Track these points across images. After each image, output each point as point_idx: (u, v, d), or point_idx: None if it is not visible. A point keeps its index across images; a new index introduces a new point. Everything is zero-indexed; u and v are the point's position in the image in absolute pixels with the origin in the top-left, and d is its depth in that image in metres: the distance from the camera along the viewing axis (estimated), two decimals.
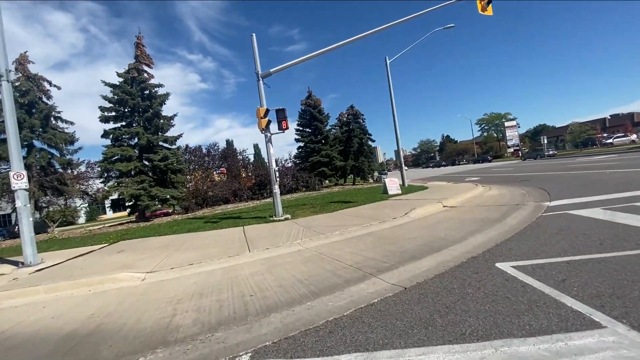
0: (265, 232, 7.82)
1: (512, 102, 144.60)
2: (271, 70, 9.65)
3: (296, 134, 25.64)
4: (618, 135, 45.47)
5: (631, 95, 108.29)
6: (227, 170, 23.48)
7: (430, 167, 70.25)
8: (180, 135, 17.13)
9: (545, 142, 37.70)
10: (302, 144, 25.39)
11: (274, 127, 9.50)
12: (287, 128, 9.22)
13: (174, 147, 16.97)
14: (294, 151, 26.41)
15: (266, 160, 27.56)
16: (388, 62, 18.27)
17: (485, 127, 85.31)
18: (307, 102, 24.89)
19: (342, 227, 7.23)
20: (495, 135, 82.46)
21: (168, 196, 14.79)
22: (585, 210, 5.76)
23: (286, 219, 9.28)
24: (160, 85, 17.64)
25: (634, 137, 44.06)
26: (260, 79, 9.55)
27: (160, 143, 16.55)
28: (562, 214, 5.83)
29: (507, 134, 76.65)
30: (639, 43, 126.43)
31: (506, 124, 77.73)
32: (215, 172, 24.11)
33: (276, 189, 9.42)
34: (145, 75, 17.76)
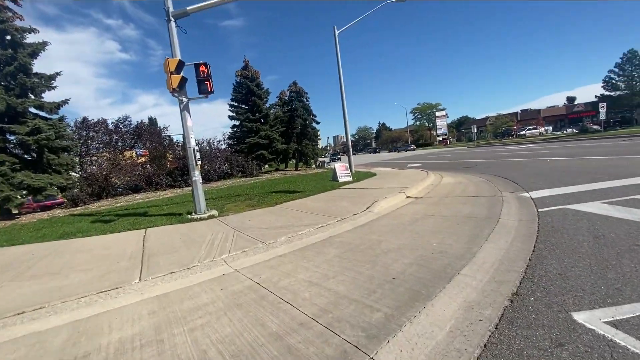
0: (176, 238, 5.49)
1: (442, 94, 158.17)
2: (188, 8, 6.97)
3: (230, 110, 22.41)
4: (529, 127, 52.30)
5: (537, 93, 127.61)
6: (150, 152, 19.35)
7: (368, 153, 72.26)
8: (65, 102, 12.80)
9: (475, 131, 41.15)
10: (237, 123, 22.32)
11: (192, 90, 6.98)
12: (212, 91, 6.80)
13: (54, 117, 12.65)
14: (229, 132, 23.19)
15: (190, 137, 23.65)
16: (337, 32, 16.46)
17: (419, 116, 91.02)
18: (244, 74, 21.77)
19: (289, 228, 5.35)
20: (427, 124, 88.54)
21: (45, 184, 10.86)
22: (586, 206, 4.88)
23: (211, 216, 6.99)
24: (32, 30, 12.89)
25: (542, 129, 51.31)
26: (172, 19, 6.83)
27: (33, 110, 12.15)
28: (562, 209, 4.87)
29: (437, 124, 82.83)
30: (544, 45, 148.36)
31: (437, 113, 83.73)
32: (136, 154, 19.76)
33: (196, 175, 7.00)
34: (9, 13, 12.83)
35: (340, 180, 11.71)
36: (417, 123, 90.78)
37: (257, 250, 4.44)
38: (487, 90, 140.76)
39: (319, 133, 25.27)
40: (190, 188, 7.97)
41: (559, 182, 7.30)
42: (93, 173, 13.46)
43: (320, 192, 9.38)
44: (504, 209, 5.41)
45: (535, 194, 6.34)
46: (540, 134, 49.60)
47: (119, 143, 18.98)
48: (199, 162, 7.00)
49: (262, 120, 22.49)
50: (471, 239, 3.96)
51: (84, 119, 16.94)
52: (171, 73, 6.24)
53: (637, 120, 38.08)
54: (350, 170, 13.38)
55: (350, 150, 15.50)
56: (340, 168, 12.10)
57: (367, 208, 6.51)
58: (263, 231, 5.37)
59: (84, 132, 16.94)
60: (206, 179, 17.53)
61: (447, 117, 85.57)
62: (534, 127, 52.34)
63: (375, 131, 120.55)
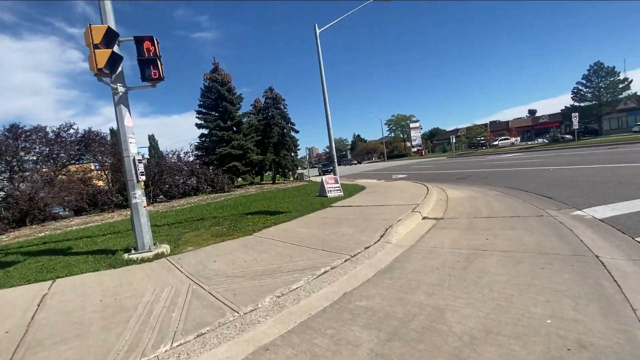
0: (93, 302, 3.45)
1: (415, 106, 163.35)
2: None
3: (198, 117, 20.08)
4: (502, 138, 53.92)
5: (501, 106, 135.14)
6: (110, 166, 16.46)
7: (343, 165, 71.63)
8: None
9: (454, 141, 41.44)
10: (206, 131, 20.04)
11: (133, 77, 4.95)
12: (161, 78, 4.86)
13: None
14: (196, 142, 20.79)
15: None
16: (317, 31, 15.03)
17: (393, 128, 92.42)
18: (213, 77, 19.69)
19: (275, 276, 3.51)
20: (402, 135, 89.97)
21: None
22: None
23: (159, 255, 4.94)
24: None
25: (513, 140, 53.07)
26: None
27: None
28: None
29: (412, 135, 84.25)
30: (505, 61, 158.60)
31: (411, 125, 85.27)
32: (94, 168, 16.84)
33: (138, 195, 4.95)
34: None
35: (330, 195, 9.96)
36: (392, 134, 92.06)
37: (224, 331, 2.53)
38: (455, 102, 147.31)
39: (298, 142, 23.56)
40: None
41: (605, 195, 6.02)
42: (11, 194, 10.68)
43: (308, 212, 7.55)
44: (582, 237, 3.88)
45: (595, 213, 4.94)
46: (512, 144, 51.22)
47: (62, 155, 16.06)
48: (142, 178, 4.94)
49: (235, 129, 20.39)
50: (600, 304, 2.31)
51: (13, 126, 13.97)
52: (95, 47, 4.24)
53: (599, 131, 40.17)
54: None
55: (335, 160, 13.83)
56: (329, 181, 10.37)
57: (381, 236, 4.80)
58: (235, 284, 3.46)
59: (13, 142, 13.99)
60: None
61: (421, 128, 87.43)
62: (505, 137, 54.05)
63: (350, 142, 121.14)
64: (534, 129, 62.41)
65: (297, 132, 23.36)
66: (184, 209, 10.62)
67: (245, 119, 22.04)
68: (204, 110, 20.34)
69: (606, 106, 33.84)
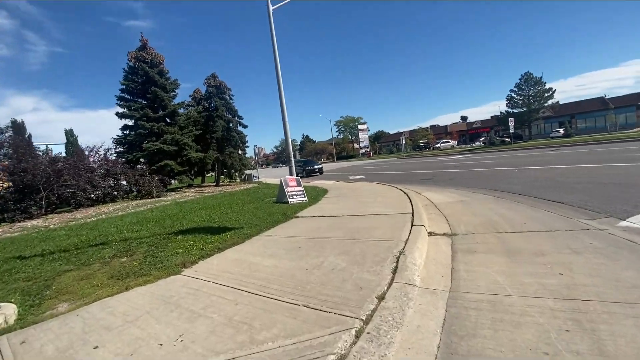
0: None
1: (362, 108, 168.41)
2: None
3: (119, 104, 16.24)
4: (443, 141, 57.31)
5: (437, 112, 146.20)
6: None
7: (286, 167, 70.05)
8: None
9: (404, 142, 42.34)
10: (130, 122, 16.36)
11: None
12: None
13: None
14: (117, 135, 16.90)
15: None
16: (271, 9, 12.93)
17: (342, 129, 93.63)
18: (140, 56, 16.13)
19: None
20: (350, 137, 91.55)
21: None
22: None
23: None
24: None
25: (453, 142, 56.78)
26: None
27: None
28: None
29: (360, 136, 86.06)
30: (441, 67, 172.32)
31: (359, 127, 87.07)
32: None
33: None
34: None
35: (292, 201, 8.00)
36: (341, 136, 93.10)
37: None
38: (397, 107, 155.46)
39: (246, 139, 20.88)
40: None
41: (627, 200, 5.10)
42: None
43: (268, 226, 5.52)
44: None
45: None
46: (452, 146, 54.76)
47: None
48: None
49: (168, 120, 17.06)
50: None
51: None
52: None
53: (523, 136, 44.78)
54: None
55: (292, 159, 11.85)
56: (290, 183, 8.40)
57: (394, 271, 3.11)
58: None
59: None
60: (73, 204, 11.49)
61: (369, 130, 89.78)
62: (446, 140, 57.60)
63: (299, 143, 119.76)
64: (469, 133, 67.68)
65: (245, 127, 20.66)
66: (85, 225, 7.65)
67: (182, 110, 18.76)
68: (128, 97, 16.56)
69: (534, 113, 37.58)
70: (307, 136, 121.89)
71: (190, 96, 22.48)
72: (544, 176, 9.26)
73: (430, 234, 4.60)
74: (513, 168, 12.49)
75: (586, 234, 3.79)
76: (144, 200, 12.62)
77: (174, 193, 15.86)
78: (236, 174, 21.44)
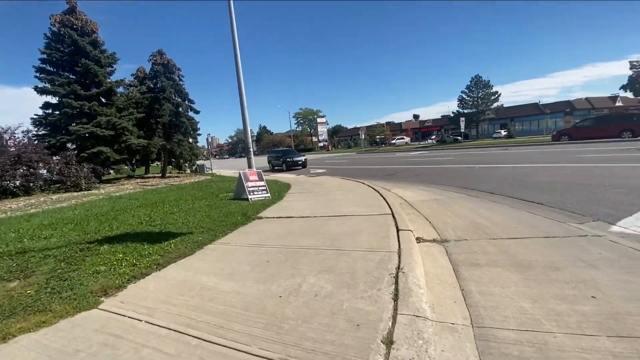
0: None
1: (321, 102, 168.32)
2: None
3: (39, 77, 13.35)
4: (398, 137, 59.26)
5: (394, 108, 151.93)
6: None
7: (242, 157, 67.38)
8: None
9: (363, 137, 42.69)
10: (54, 100, 13.63)
11: None
12: None
13: None
14: (37, 115, 14.01)
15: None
16: None
17: (301, 121, 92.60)
18: (66, 21, 13.44)
19: None
20: (309, 130, 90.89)
21: None
22: None
23: None
24: None
25: (407, 139, 59.00)
26: None
27: None
28: None
29: (318, 130, 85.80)
30: (394, 70, 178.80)
31: (318, 120, 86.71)
32: None
33: None
34: None
35: (253, 198, 7.00)
36: (300, 128, 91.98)
37: None
38: (354, 103, 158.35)
39: (198, 126, 18.90)
40: None
41: (610, 202, 5.04)
42: None
43: (225, 231, 4.53)
44: None
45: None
46: (406, 143, 56.88)
47: None
48: None
49: (104, 100, 14.65)
50: None
51: None
52: None
53: (469, 135, 48.03)
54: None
55: (251, 149, 10.72)
56: (251, 177, 7.36)
57: (394, 298, 2.43)
58: None
59: None
60: None
61: (328, 124, 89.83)
62: (401, 137, 59.66)
63: (256, 134, 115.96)
64: (421, 131, 70.89)
65: (197, 112, 18.63)
66: None
67: (121, 89, 16.30)
68: (51, 69, 13.78)
69: (481, 114, 40.35)
70: (265, 127, 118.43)
71: (132, 75, 19.85)
72: (507, 174, 9.39)
73: (418, 239, 4.03)
74: (472, 166, 12.73)
75: (588, 242, 3.47)
76: (68, 194, 10.54)
77: (109, 185, 13.70)
78: (186, 164, 19.45)
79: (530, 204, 5.62)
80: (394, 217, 4.91)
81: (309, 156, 44.17)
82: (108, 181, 15.74)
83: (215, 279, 2.97)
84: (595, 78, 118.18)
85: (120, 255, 3.58)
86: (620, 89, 30.73)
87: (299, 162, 20.05)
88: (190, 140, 18.36)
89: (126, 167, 17.80)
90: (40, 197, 9.90)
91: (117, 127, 14.00)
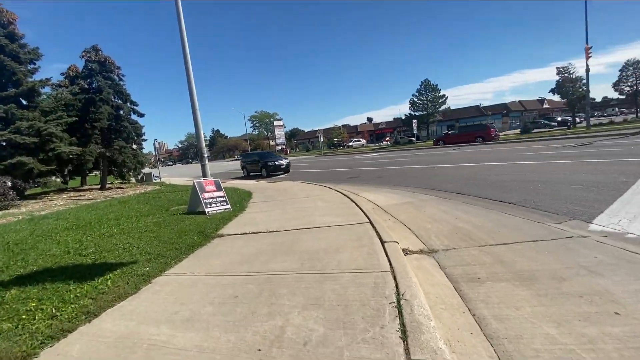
0: None
1: (278, 105, 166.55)
2: None
3: None
4: (355, 139, 60.51)
5: (348, 111, 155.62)
6: None
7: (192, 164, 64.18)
8: None
9: (322, 139, 42.67)
10: None
11: None
12: None
13: None
14: None
15: None
16: None
17: (257, 125, 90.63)
18: None
19: None
20: (266, 133, 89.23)
21: None
22: None
23: None
24: None
25: (363, 141, 60.49)
26: None
27: None
28: None
29: (276, 133, 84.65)
30: (352, 70, 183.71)
31: (275, 123, 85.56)
32: None
33: None
34: None
35: (211, 211, 6.17)
36: (256, 132, 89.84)
37: None
38: (311, 105, 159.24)
39: (143, 131, 17.03)
40: None
41: (579, 199, 5.15)
42: None
43: (178, 256, 3.75)
44: None
45: (625, 226, 3.69)
46: (363, 145, 58.26)
47: None
48: None
49: (24, 102, 12.46)
50: None
51: None
52: None
53: (420, 136, 50.77)
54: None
55: (205, 155, 9.75)
56: (207, 187, 6.50)
57: (404, 338, 1.95)
58: None
59: None
60: None
61: (285, 127, 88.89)
62: (358, 139, 60.99)
63: (209, 138, 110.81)
64: (376, 133, 73.28)
65: (141, 115, 16.72)
66: None
67: (47, 90, 14.07)
68: None
69: (431, 116, 42.73)
70: (218, 131, 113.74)
71: (63, 74, 17.36)
72: (468, 174, 9.62)
73: (405, 251, 3.66)
74: (432, 166, 13.01)
75: (577, 244, 3.35)
76: None
77: (33, 202, 11.63)
78: (130, 173, 17.45)
79: (502, 204, 5.61)
80: (372, 225, 4.52)
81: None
82: (33, 196, 13.44)
83: (168, 329, 2.26)
84: (523, 83, 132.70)
85: (34, 304, 2.66)
86: (549, 92, 34.43)
87: (282, 167, 16.95)
88: (134, 146, 16.45)
89: (56, 179, 15.42)
90: None
91: (43, 133, 11.97)
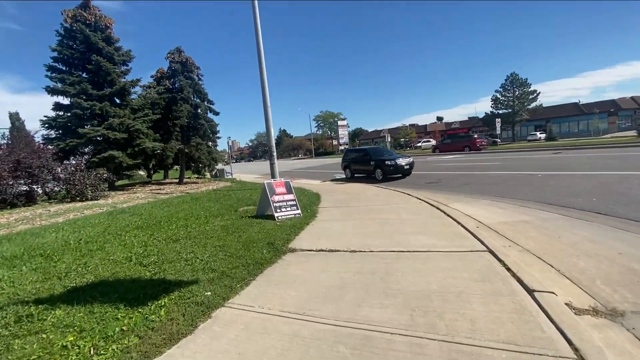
0: None
1: (341, 104, 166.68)
2: None
3: (50, 76, 12.65)
4: (424, 140, 56.66)
5: (415, 111, 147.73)
6: None
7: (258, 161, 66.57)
8: None
9: (389, 140, 40.77)
10: (66, 100, 12.91)
11: None
12: None
13: None
14: (47, 116, 13.29)
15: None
16: None
17: (321, 124, 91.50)
18: (79, 15, 12.68)
19: None
20: (329, 133, 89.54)
21: None
22: None
23: None
24: None
25: (434, 142, 56.37)
26: None
27: None
28: None
29: (339, 133, 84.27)
30: (415, 69, 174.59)
31: (339, 122, 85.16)
32: None
33: None
34: None
35: (281, 216, 5.53)
36: (320, 132, 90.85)
37: None
38: (375, 105, 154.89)
39: (218, 129, 17.81)
40: None
41: None
42: None
43: (243, 277, 3.05)
44: None
45: None
46: (433, 145, 54.32)
47: None
48: None
49: (117, 100, 13.82)
50: None
51: None
52: None
53: (500, 138, 44.86)
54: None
55: (274, 153, 9.25)
56: (277, 189, 5.89)
57: None
58: None
59: None
60: None
61: (349, 127, 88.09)
62: (427, 140, 56.98)
63: (276, 137, 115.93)
64: (447, 133, 67.92)
65: (216, 114, 17.53)
66: None
67: (137, 90, 15.49)
68: (62, 67, 13.08)
69: (518, 115, 37.35)
70: (285, 131, 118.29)
71: (152, 76, 19.11)
72: (593, 185, 7.44)
73: (574, 309, 2.38)
74: (532, 173, 10.70)
75: None
76: (71, 205, 9.51)
77: (120, 193, 12.71)
78: (205, 169, 18.38)
79: None
80: (495, 256, 3.28)
81: (330, 160, 42.50)
82: (122, 187, 14.88)
83: None
84: (629, 77, 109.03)
85: (72, 337, 2.15)
86: None
87: (404, 168, 12.62)
88: (210, 143, 17.26)
89: (139, 173, 16.95)
90: (38, 209, 8.90)
91: (131, 130, 13.05)
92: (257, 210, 6.13)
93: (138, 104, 14.35)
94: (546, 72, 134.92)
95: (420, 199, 7.33)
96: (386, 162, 12.64)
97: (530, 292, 2.47)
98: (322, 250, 3.90)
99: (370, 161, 13.52)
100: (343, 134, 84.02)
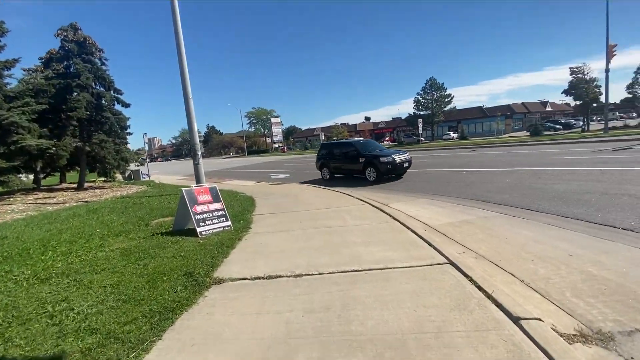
0: None
1: (274, 102, 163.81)
2: None
3: None
4: (357, 138, 58.98)
5: (345, 111, 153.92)
6: None
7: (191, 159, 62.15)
8: None
9: (323, 138, 40.96)
10: None
11: None
12: None
13: None
14: None
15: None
16: None
17: (254, 121, 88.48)
18: None
19: None
20: (262, 130, 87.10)
21: None
22: None
23: None
24: None
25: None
26: None
27: None
28: None
29: (273, 130, 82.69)
30: (347, 70, 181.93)
31: (272, 120, 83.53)
32: None
33: None
34: None
35: (204, 232, 4.47)
36: (253, 129, 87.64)
37: None
38: (307, 104, 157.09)
39: (128, 124, 15.11)
40: None
41: None
42: None
43: (141, 344, 2.04)
44: None
45: None
46: None
47: None
48: None
49: None
50: None
51: None
52: None
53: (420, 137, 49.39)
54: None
55: (198, 152, 8.00)
56: (200, 197, 4.78)
57: None
58: None
59: None
60: None
61: (282, 124, 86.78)
62: (359, 138, 59.55)
63: (203, 134, 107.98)
64: (375, 132, 71.98)
65: (126, 105, 14.77)
66: None
67: (12, 72, 12.16)
68: None
69: (436, 116, 41.23)
70: (214, 127, 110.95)
71: (40, 59, 15.34)
72: (511, 181, 8.04)
73: (567, 337, 2.04)
74: (458, 170, 11.40)
75: None
76: None
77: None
78: (113, 170, 15.52)
79: (605, 228, 4.06)
80: (458, 269, 2.91)
81: (264, 158, 40.83)
82: None
83: None
84: (517, 87, 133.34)
85: None
86: (562, 93, 32.82)
87: (403, 166, 10.40)
88: (117, 140, 14.51)
89: (21, 178, 13.48)
90: None
91: (4, 123, 10.10)
92: (174, 224, 4.93)
93: (15, 91, 11.24)
94: (456, 79, 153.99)
95: (361, 200, 6.97)
96: (381, 159, 10.11)
97: (516, 321, 2.07)
98: (259, 278, 3.07)
99: (359, 158, 10.84)
100: (277, 131, 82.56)
